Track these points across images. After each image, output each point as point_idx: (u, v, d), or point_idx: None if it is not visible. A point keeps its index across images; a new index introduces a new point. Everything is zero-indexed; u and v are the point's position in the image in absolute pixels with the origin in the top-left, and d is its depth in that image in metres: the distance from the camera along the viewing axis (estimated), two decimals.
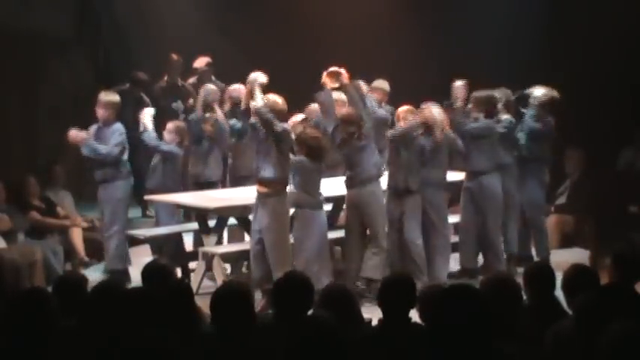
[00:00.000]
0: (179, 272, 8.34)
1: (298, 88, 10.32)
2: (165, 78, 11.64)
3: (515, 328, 4.42)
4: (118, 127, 8.92)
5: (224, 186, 9.79)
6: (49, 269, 8.80)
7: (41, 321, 4.20)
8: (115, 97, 9.05)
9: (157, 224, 9.24)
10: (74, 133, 8.89)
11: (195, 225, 9.02)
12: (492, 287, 4.73)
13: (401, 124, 8.45)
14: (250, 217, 8.04)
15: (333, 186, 8.53)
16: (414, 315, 4.76)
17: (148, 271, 5.40)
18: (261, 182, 7.81)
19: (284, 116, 7.96)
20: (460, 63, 12.17)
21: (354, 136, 8.15)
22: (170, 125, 9.30)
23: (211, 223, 8.98)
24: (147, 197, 9.35)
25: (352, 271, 8.22)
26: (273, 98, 7.84)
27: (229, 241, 9.25)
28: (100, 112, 8.91)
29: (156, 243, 8.98)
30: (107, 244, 8.92)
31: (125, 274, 8.79)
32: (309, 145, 7.77)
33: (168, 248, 8.83)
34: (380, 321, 4.68)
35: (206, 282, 8.38)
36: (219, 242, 8.92)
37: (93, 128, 8.96)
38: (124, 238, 8.94)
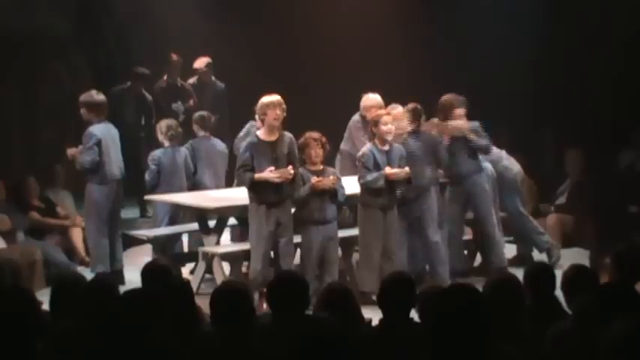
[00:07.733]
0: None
1: (298, 89, 10.41)
2: (165, 78, 11.60)
3: (516, 329, 4.42)
4: (88, 132, 8.76)
5: None
6: (50, 269, 8.80)
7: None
8: (87, 97, 8.84)
9: (156, 224, 9.24)
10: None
11: (195, 225, 9.00)
12: (496, 287, 4.71)
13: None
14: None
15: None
16: (414, 315, 4.76)
17: (147, 271, 5.40)
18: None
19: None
20: (459, 63, 12.21)
21: None
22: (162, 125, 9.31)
23: (211, 223, 8.96)
24: (147, 197, 9.35)
25: None
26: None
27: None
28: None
29: (158, 243, 8.97)
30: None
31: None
32: None
33: (164, 248, 8.86)
34: (380, 321, 4.68)
35: (206, 282, 8.38)
36: (218, 242, 8.92)
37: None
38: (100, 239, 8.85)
